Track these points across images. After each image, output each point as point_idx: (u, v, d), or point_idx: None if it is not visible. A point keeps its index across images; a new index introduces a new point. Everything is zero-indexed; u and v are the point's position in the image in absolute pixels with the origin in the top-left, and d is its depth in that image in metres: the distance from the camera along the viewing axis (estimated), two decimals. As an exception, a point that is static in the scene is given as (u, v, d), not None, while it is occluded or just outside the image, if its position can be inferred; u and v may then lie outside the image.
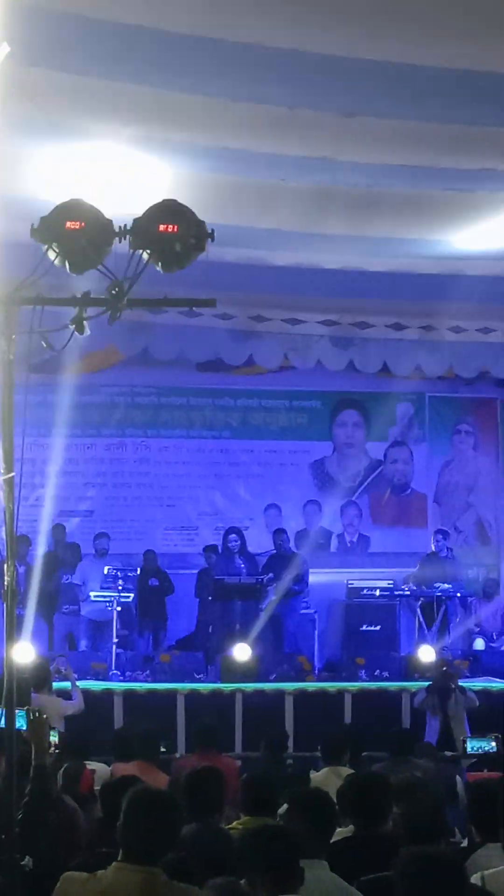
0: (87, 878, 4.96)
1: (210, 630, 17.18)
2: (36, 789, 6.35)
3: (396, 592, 18.12)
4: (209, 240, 6.33)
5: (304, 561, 17.72)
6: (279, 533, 18.07)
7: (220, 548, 17.91)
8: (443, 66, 9.21)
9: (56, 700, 12.85)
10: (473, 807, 6.93)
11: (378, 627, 17.77)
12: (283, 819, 5.82)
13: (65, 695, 13.41)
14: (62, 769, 9.21)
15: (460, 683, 14.53)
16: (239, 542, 17.63)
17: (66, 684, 13.67)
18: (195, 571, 18.18)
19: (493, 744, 11.57)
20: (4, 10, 7.61)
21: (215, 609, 16.90)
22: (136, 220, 6.20)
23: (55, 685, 13.39)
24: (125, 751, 10.45)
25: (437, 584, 17.86)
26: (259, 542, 18.44)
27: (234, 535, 17.69)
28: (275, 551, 17.84)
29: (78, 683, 13.90)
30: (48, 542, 18.02)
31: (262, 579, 17.00)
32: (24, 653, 13.96)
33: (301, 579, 17.41)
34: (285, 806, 5.87)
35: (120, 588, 16.50)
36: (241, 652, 15.65)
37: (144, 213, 6.23)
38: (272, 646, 16.89)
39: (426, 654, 16.10)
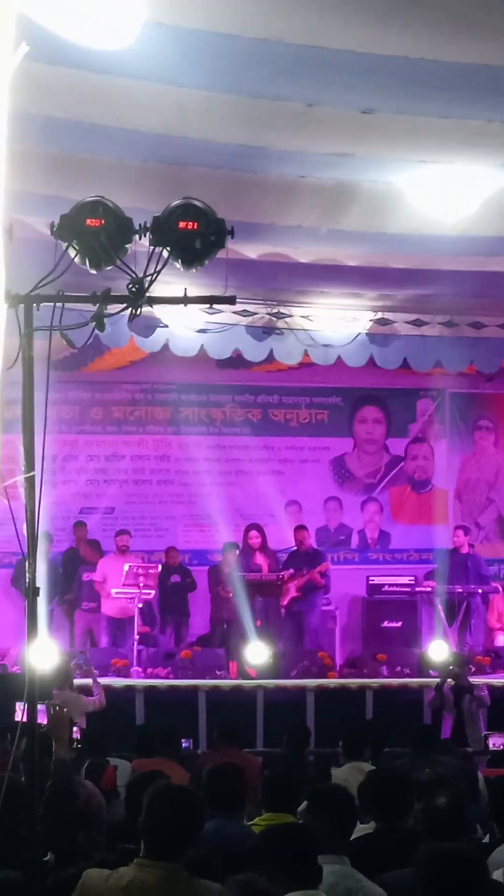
0: (108, 874, 4.97)
1: (225, 627, 17.21)
2: (57, 785, 6.37)
3: (417, 589, 18.13)
4: (229, 236, 6.35)
5: (323, 558, 17.72)
6: (300, 529, 18.08)
7: (240, 544, 17.92)
8: (462, 62, 9.19)
9: (77, 696, 12.89)
10: (495, 803, 6.94)
11: (399, 624, 17.80)
12: (303, 816, 5.83)
13: (86, 691, 13.44)
14: (85, 765, 9.25)
15: (472, 681, 14.49)
16: (260, 539, 17.64)
17: (88, 681, 13.71)
18: (210, 567, 18.22)
19: (514, 740, 11.59)
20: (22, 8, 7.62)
21: (236, 605, 16.92)
22: (155, 218, 6.22)
23: (77, 682, 13.44)
24: (147, 747, 10.48)
25: (458, 581, 17.85)
26: (280, 538, 18.45)
27: (254, 532, 17.71)
28: (295, 548, 17.85)
29: (99, 680, 13.93)
30: (69, 539, 18.07)
31: (283, 576, 17.01)
32: (47, 650, 14.02)
33: (322, 575, 17.41)
34: (305, 803, 5.87)
35: (141, 585, 16.52)
36: (260, 649, 15.67)
37: (164, 211, 6.25)
38: (293, 642, 16.90)
39: (438, 650, 16.09)
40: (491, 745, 13.16)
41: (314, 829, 5.53)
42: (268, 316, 15.99)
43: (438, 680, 14.53)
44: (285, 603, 17.15)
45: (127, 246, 6.23)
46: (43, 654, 13.16)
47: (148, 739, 10.56)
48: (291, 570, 17.27)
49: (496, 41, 8.83)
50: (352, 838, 6.09)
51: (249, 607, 16.57)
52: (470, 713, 13.93)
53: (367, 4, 8.34)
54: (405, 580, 18.43)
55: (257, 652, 15.67)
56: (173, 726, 10.66)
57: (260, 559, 17.53)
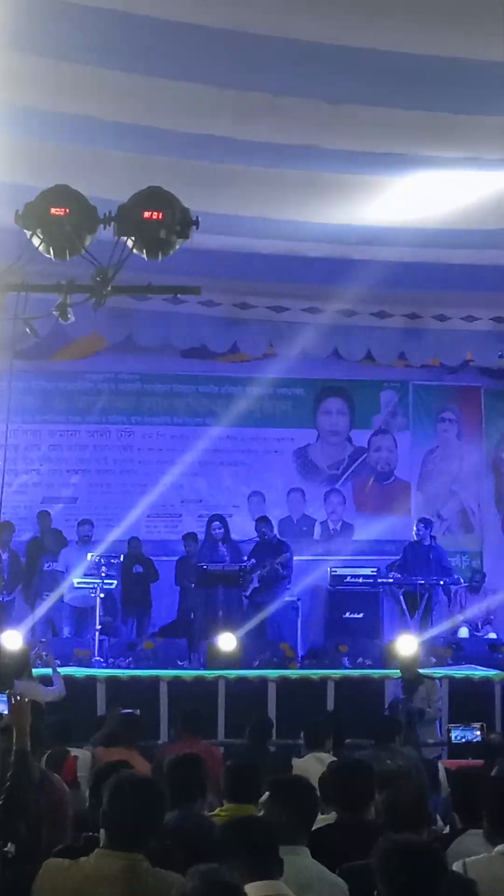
0: (69, 864, 4.96)
1: (193, 617, 17.18)
2: (17, 774, 6.34)
3: (380, 580, 18.14)
4: (194, 227, 6.33)
5: (287, 548, 17.72)
6: (262, 521, 18.08)
7: (203, 535, 17.90)
8: (428, 54, 9.20)
9: (37, 686, 12.83)
10: (457, 794, 6.97)
11: (361, 615, 17.82)
12: (264, 806, 5.83)
13: (46, 681, 13.39)
14: (45, 755, 9.22)
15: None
16: (223, 530, 17.63)
17: (48, 671, 13.66)
18: (178, 559, 18.19)
19: (478, 733, 11.59)
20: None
21: (199, 596, 16.90)
22: (120, 207, 6.21)
23: (36, 671, 13.40)
24: (108, 737, 10.46)
25: (420, 572, 17.88)
26: (243, 529, 18.45)
27: (217, 523, 17.70)
28: (258, 539, 17.85)
29: (60, 670, 13.89)
30: (32, 528, 18.02)
31: (246, 567, 17.01)
32: (11, 639, 13.97)
33: (285, 566, 17.41)
34: (267, 794, 5.87)
35: (103, 575, 16.48)
36: (226, 640, 15.67)
37: (129, 200, 6.23)
38: (255, 633, 16.89)
39: (405, 644, 16.15)
40: (453, 738, 13.18)
41: (275, 820, 5.53)
42: (232, 307, 15.97)
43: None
44: (248, 594, 17.15)
45: (91, 235, 6.21)
46: (4, 643, 13.13)
47: (109, 729, 10.54)
48: (254, 561, 17.28)
49: (463, 33, 8.84)
50: (313, 829, 6.09)
51: (214, 598, 16.59)
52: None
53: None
54: (367, 571, 18.44)
55: (222, 642, 15.65)
56: (133, 716, 10.64)
57: (223, 550, 17.51)
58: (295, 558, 18.09)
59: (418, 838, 4.56)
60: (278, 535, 18.27)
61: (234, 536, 18.00)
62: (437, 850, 4.65)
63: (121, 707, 11.87)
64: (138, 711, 11.40)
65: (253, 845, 4.92)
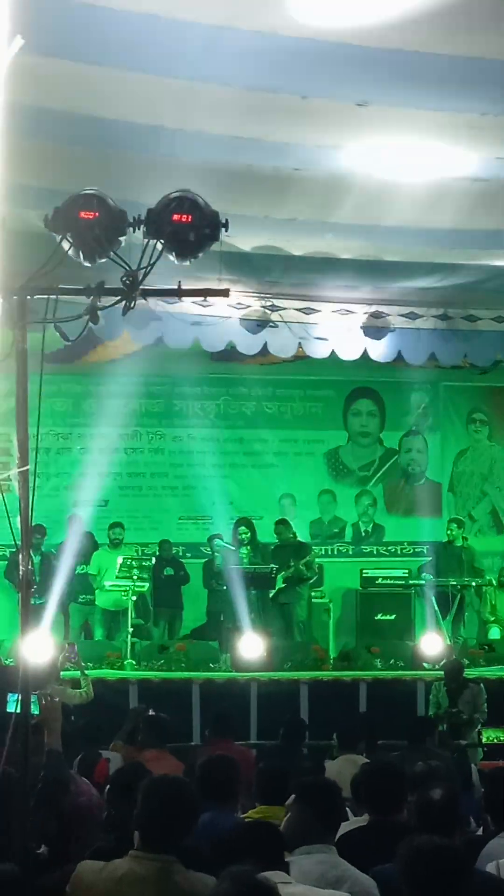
0: (102, 866, 4.97)
1: (223, 619, 17.18)
2: (49, 775, 6.36)
3: (411, 582, 18.13)
4: (223, 229, 6.34)
5: (309, 550, 17.63)
6: (280, 523, 18.03)
7: (230, 538, 17.85)
8: (457, 55, 9.18)
9: (63, 689, 12.87)
10: (489, 795, 6.95)
11: (393, 616, 17.81)
12: (290, 808, 5.82)
13: (74, 684, 13.43)
14: (78, 758, 9.24)
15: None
16: (249, 534, 17.55)
17: (76, 673, 13.69)
18: (205, 561, 18.19)
19: (510, 734, 11.58)
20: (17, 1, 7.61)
21: (229, 598, 16.90)
22: (149, 210, 6.22)
23: (64, 674, 13.44)
24: (129, 735, 10.49)
25: (451, 573, 17.86)
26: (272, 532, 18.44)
27: (244, 527, 17.63)
28: (277, 542, 17.78)
29: (92, 673, 13.92)
30: (63, 532, 18.06)
31: (276, 568, 16.99)
32: (42, 642, 14.01)
33: (309, 567, 17.34)
34: (293, 796, 5.87)
35: (135, 578, 16.51)
36: (256, 642, 15.68)
37: (158, 203, 6.24)
38: (284, 634, 16.89)
39: (432, 644, 16.14)
40: (485, 740, 13.16)
41: (301, 821, 5.54)
42: (262, 309, 15.97)
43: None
44: (272, 595, 17.14)
45: (121, 238, 6.22)
46: (37, 646, 13.17)
47: (138, 731, 10.55)
48: (280, 564, 17.23)
49: (491, 34, 8.82)
50: (345, 831, 6.08)
51: (244, 600, 16.60)
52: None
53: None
54: (399, 573, 18.44)
55: (252, 644, 15.67)
56: (164, 718, 10.65)
57: (244, 554, 17.42)
58: (326, 560, 18.11)
59: (441, 840, 4.54)
60: (298, 537, 18.14)
61: (265, 538, 17.98)
62: (460, 851, 4.64)
63: (145, 707, 11.87)
64: (156, 713, 11.34)
65: (259, 849, 4.93)
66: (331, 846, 5.61)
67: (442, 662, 15.21)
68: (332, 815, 5.81)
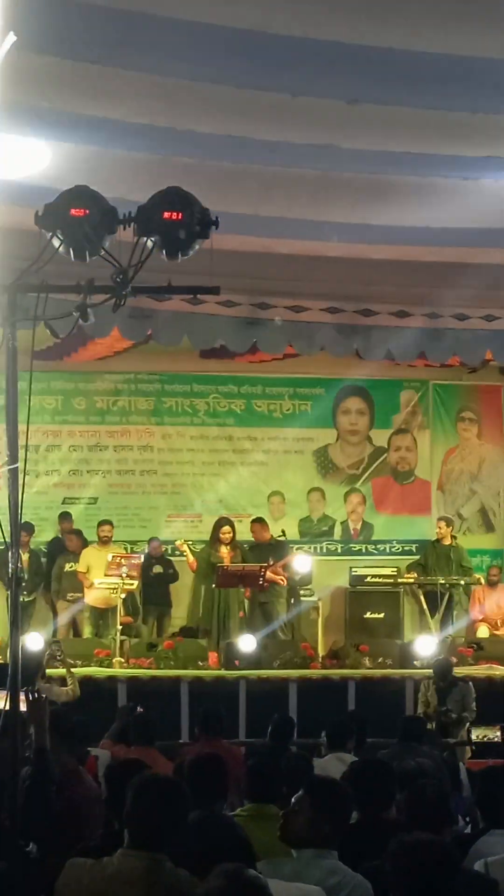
0: (92, 863, 4.97)
1: (212, 617, 17.16)
2: (37, 772, 6.35)
3: (400, 580, 18.14)
4: (213, 227, 6.34)
5: (284, 548, 17.59)
6: (256, 521, 17.99)
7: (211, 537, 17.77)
8: (445, 53, 9.19)
9: (49, 686, 12.87)
10: (480, 793, 6.95)
11: (382, 615, 17.81)
12: (295, 805, 5.79)
13: (60, 682, 13.43)
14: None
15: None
16: (231, 534, 17.50)
17: (62, 671, 13.69)
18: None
19: (498, 732, 11.59)
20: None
21: (218, 597, 16.88)
22: (140, 207, 6.22)
23: (50, 672, 13.45)
24: (119, 733, 10.49)
25: (440, 572, 17.88)
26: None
27: (226, 527, 17.52)
28: (257, 542, 17.75)
29: (81, 671, 13.91)
30: (52, 529, 18.06)
31: (265, 567, 16.97)
32: (31, 640, 14.01)
33: (286, 567, 17.29)
34: (301, 792, 5.83)
35: (124, 575, 16.50)
36: (245, 640, 15.69)
37: (149, 201, 6.24)
38: (270, 632, 16.88)
39: (436, 648, 16.14)
40: (474, 738, 13.18)
41: (312, 823, 5.53)
42: (252, 306, 15.96)
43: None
44: (248, 595, 17.11)
45: (111, 236, 6.22)
46: (25, 643, 13.16)
47: (127, 728, 10.54)
48: (271, 561, 17.20)
49: (481, 32, 8.83)
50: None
51: (233, 598, 16.61)
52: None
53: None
54: (388, 571, 18.46)
55: (242, 642, 15.68)
56: (149, 716, 10.64)
57: (224, 553, 17.37)
58: (315, 558, 18.09)
59: (429, 837, 4.54)
60: (276, 537, 18.05)
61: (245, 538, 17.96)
62: (449, 849, 4.64)
63: (134, 705, 11.87)
64: (145, 711, 11.32)
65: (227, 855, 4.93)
66: (332, 851, 5.59)
67: (431, 660, 15.20)
68: (343, 819, 5.80)
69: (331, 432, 20.27)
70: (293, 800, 5.76)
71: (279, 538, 17.81)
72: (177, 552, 17.96)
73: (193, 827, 5.88)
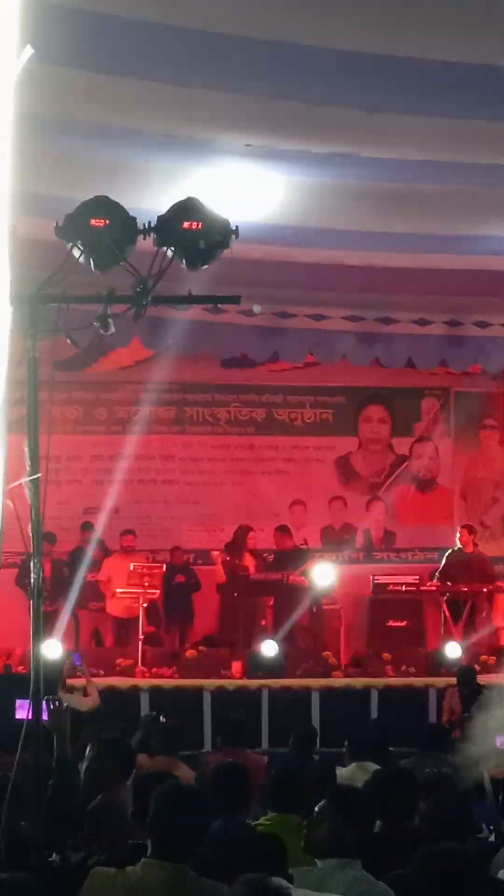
0: (115, 873, 4.97)
1: (235, 626, 17.16)
2: (59, 781, 6.35)
3: (423, 588, 18.10)
4: (233, 237, 6.35)
5: (308, 557, 17.60)
6: (279, 529, 18.01)
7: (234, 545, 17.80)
8: (466, 61, 9.20)
9: (72, 696, 12.85)
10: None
11: (404, 623, 17.77)
12: (324, 814, 5.79)
13: (81, 691, 13.42)
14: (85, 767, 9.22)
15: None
16: (254, 541, 17.47)
17: (83, 681, 13.69)
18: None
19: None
20: (28, 10, 7.62)
21: (240, 605, 16.88)
22: (160, 218, 6.23)
23: (72, 682, 13.44)
24: (142, 743, 10.48)
25: (463, 580, 17.84)
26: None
27: (249, 534, 17.52)
28: (280, 549, 17.75)
29: (103, 681, 13.91)
30: (74, 539, 18.07)
31: (287, 575, 16.97)
32: (51, 649, 14.01)
33: (306, 575, 17.30)
34: (324, 801, 5.83)
35: (146, 585, 16.51)
36: (268, 648, 15.68)
37: (169, 210, 6.25)
38: (292, 641, 16.86)
39: (452, 650, 16.09)
40: (498, 745, 13.10)
41: (335, 832, 5.52)
42: (273, 315, 15.97)
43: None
44: (271, 603, 17.12)
45: (131, 246, 6.23)
46: (47, 653, 13.16)
47: (150, 738, 10.54)
48: (292, 570, 17.20)
49: (499, 40, 8.83)
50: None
51: (256, 607, 16.61)
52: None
53: (373, 4, 8.35)
54: (410, 579, 18.41)
55: (265, 650, 15.68)
56: (174, 725, 10.64)
57: (247, 560, 17.40)
58: (337, 566, 18.07)
59: (454, 846, 4.52)
60: (301, 544, 18.10)
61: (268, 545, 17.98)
62: (477, 857, 4.62)
63: (157, 714, 11.85)
64: (168, 721, 11.33)
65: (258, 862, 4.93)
66: (356, 861, 5.59)
67: (456, 668, 15.15)
68: (366, 828, 5.80)
69: (352, 441, 20.26)
70: (316, 809, 5.76)
71: (301, 547, 17.83)
72: (199, 561, 17.98)
73: (217, 836, 5.89)
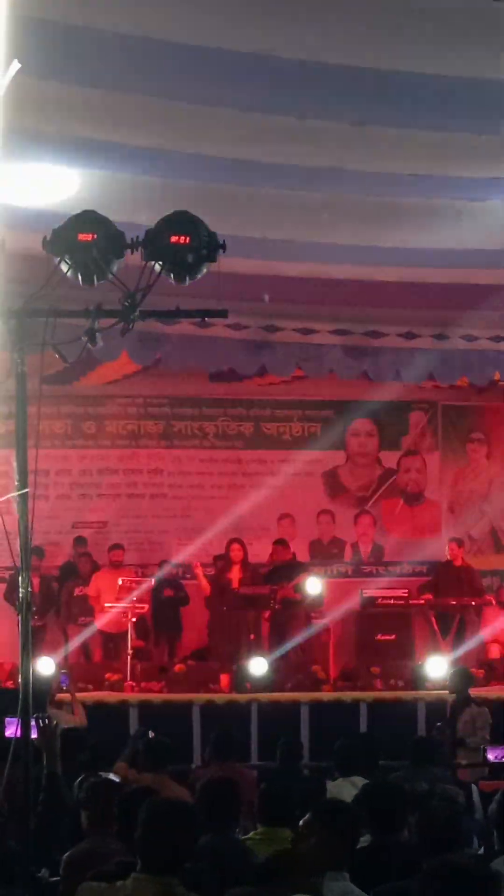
0: (105, 888, 4.96)
1: (224, 640, 17.14)
2: (48, 798, 6.34)
3: (411, 601, 18.09)
4: (220, 251, 6.36)
5: (302, 570, 17.61)
6: (277, 543, 18.02)
7: (224, 558, 17.79)
8: (453, 75, 9.21)
9: (59, 713, 12.87)
10: (497, 814, 6.93)
11: (393, 636, 17.73)
12: (307, 829, 5.79)
13: (69, 709, 13.43)
14: (78, 781, 9.20)
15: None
16: (242, 553, 17.49)
17: (67, 697, 13.69)
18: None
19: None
20: (14, 25, 7.63)
21: (228, 619, 16.87)
22: (148, 232, 6.24)
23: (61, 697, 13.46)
24: (132, 758, 10.46)
25: (451, 593, 17.83)
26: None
27: (236, 545, 17.52)
28: (275, 562, 17.75)
29: (93, 696, 13.89)
30: (63, 553, 18.06)
31: (276, 589, 16.96)
32: (42, 665, 14.00)
33: (299, 588, 17.30)
34: (308, 816, 5.83)
35: (134, 599, 16.50)
36: (257, 663, 15.66)
37: (156, 225, 6.26)
38: (283, 655, 16.84)
39: (436, 666, 16.08)
40: (490, 758, 13.10)
41: (319, 846, 5.52)
42: (260, 329, 15.98)
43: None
44: (267, 615, 17.11)
45: (119, 260, 6.24)
46: (36, 669, 13.15)
47: (139, 753, 10.51)
48: (280, 584, 17.19)
49: (487, 54, 8.85)
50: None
51: (244, 621, 16.59)
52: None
53: (358, 18, 8.37)
54: (399, 593, 18.39)
55: (254, 665, 15.66)
56: (162, 742, 10.61)
57: (236, 573, 17.39)
58: (326, 580, 18.06)
59: (467, 859, 4.49)
60: (293, 558, 18.12)
61: (263, 559, 17.96)
62: (486, 871, 4.57)
63: (146, 730, 11.83)
64: (157, 737, 11.29)
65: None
66: (344, 873, 5.58)
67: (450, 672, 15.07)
68: (351, 840, 5.79)
69: (340, 454, 20.26)
70: (300, 823, 5.76)
71: (299, 561, 17.89)
72: (187, 575, 17.97)
73: (205, 850, 5.88)
